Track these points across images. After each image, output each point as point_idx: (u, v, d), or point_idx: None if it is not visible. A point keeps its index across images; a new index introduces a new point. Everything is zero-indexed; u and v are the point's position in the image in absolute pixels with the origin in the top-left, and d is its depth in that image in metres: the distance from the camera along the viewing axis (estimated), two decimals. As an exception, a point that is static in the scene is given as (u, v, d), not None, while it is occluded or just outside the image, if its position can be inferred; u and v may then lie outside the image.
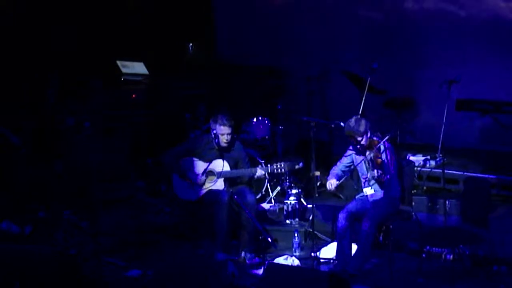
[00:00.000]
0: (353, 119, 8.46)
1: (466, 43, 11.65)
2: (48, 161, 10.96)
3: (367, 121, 8.46)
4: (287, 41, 12.86)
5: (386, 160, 8.37)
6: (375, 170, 8.24)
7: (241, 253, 8.80)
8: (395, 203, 8.51)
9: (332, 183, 8.54)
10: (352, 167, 8.62)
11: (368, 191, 8.55)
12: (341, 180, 8.56)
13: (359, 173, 8.67)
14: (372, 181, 8.46)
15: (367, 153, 8.38)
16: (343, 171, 8.65)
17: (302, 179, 10.67)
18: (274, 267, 8.01)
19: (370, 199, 8.52)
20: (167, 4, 13.04)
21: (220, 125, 8.89)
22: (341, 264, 8.37)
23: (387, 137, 8.39)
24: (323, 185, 10.80)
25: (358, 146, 8.47)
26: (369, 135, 8.41)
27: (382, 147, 8.38)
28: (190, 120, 11.14)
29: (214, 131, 8.96)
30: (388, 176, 8.32)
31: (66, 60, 11.67)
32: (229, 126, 8.92)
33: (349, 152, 8.66)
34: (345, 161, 8.69)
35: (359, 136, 8.39)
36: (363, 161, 8.43)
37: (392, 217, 8.53)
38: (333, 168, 8.73)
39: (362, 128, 8.37)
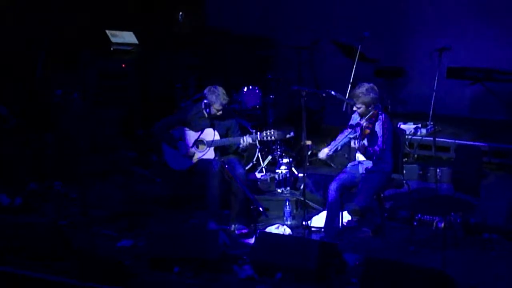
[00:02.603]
0: (366, 86, 8.36)
1: (457, 11, 11.60)
2: (38, 132, 10.92)
3: (377, 94, 8.38)
4: (278, 10, 12.78)
5: (378, 132, 8.32)
6: (356, 141, 8.20)
7: (232, 223, 8.81)
8: (387, 176, 8.47)
9: (324, 152, 8.50)
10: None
11: (360, 156, 8.52)
12: (333, 150, 8.50)
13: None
14: None
15: (362, 119, 8.34)
16: (342, 141, 8.55)
17: (293, 148, 10.65)
18: (266, 236, 8.04)
19: (361, 169, 8.49)
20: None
21: (222, 102, 8.82)
22: (329, 234, 8.37)
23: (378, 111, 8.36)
24: (314, 154, 10.84)
25: (357, 112, 8.43)
26: (370, 108, 8.35)
27: (377, 118, 8.32)
28: (180, 90, 11.09)
29: (207, 101, 8.90)
30: (376, 148, 8.27)
31: (55, 31, 11.57)
32: (227, 103, 8.94)
33: (354, 116, 8.61)
34: (351, 124, 8.62)
35: (358, 103, 8.33)
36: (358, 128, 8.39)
37: (384, 187, 8.54)
38: (341, 133, 8.64)
39: (366, 99, 8.31)
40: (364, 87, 8.37)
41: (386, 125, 8.34)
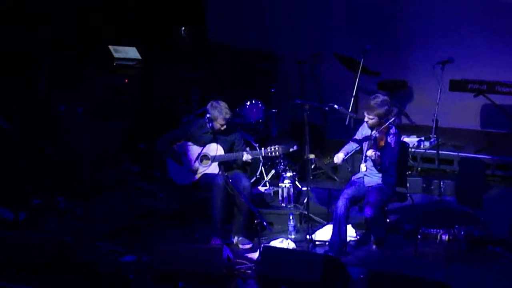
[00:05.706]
0: (381, 98, 8.38)
1: (460, 23, 11.61)
2: (41, 147, 10.93)
3: (390, 107, 8.39)
4: (279, 24, 12.80)
5: (390, 145, 8.31)
6: (371, 150, 8.19)
7: (236, 237, 8.80)
8: (391, 189, 8.49)
9: (338, 157, 8.52)
10: (361, 144, 8.57)
11: (362, 167, 8.52)
12: (349, 155, 8.55)
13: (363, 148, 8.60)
14: (368, 159, 8.41)
15: (374, 131, 8.32)
16: (353, 147, 8.62)
17: (296, 162, 10.65)
18: (270, 250, 8.02)
19: (366, 182, 8.49)
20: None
21: (225, 116, 8.82)
22: (334, 248, 8.35)
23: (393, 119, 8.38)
24: (318, 167, 10.84)
25: (367, 122, 8.41)
26: (383, 120, 8.33)
27: (389, 132, 8.32)
28: (183, 105, 11.10)
29: (209, 116, 8.90)
30: (386, 162, 8.26)
31: (58, 46, 11.60)
32: (230, 118, 8.93)
33: (360, 129, 8.62)
34: (356, 139, 8.65)
35: (372, 114, 8.32)
36: (368, 138, 8.38)
37: (389, 200, 8.54)
38: (347, 143, 8.71)
39: (381, 111, 8.29)
40: (379, 99, 8.37)
41: (397, 138, 8.35)
